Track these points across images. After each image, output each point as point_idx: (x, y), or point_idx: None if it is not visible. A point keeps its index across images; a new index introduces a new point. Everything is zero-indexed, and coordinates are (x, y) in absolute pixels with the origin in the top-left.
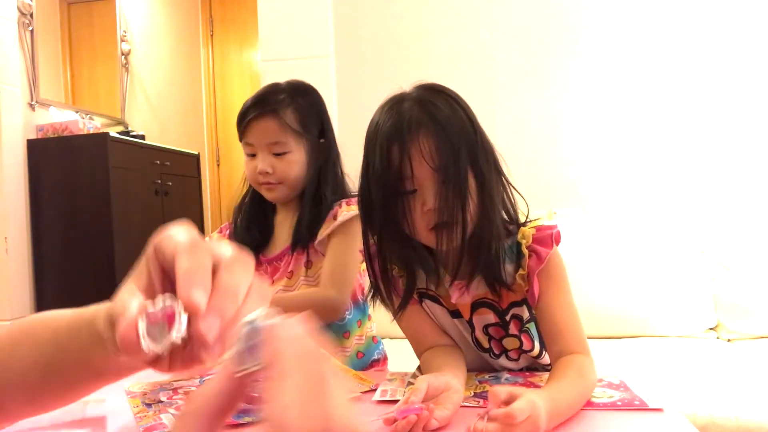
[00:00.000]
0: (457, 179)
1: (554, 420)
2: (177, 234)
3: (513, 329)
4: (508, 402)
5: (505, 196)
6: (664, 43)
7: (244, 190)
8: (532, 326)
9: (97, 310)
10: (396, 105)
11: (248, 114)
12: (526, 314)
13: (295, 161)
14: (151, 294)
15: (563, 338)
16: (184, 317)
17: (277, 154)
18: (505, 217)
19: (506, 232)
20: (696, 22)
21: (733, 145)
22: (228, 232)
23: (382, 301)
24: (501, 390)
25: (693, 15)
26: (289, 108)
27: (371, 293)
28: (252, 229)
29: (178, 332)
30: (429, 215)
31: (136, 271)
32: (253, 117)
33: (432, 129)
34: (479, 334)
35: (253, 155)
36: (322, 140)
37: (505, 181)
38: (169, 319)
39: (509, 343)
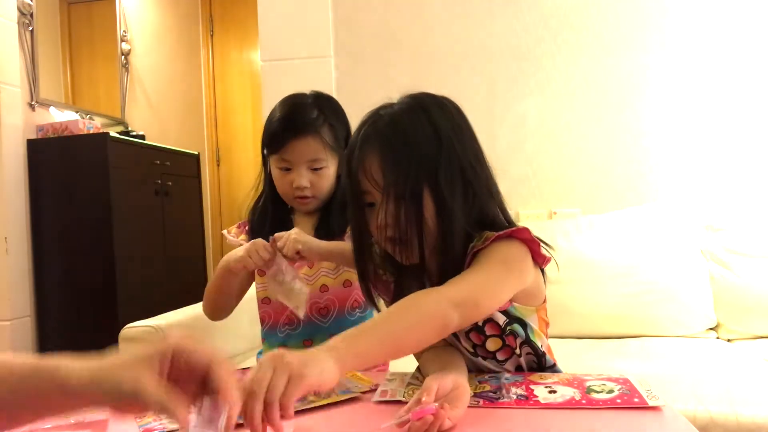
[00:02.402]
0: (409, 196)
1: (353, 360)
2: (196, 343)
3: (490, 330)
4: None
5: (490, 208)
6: (662, 43)
7: (258, 192)
8: (516, 327)
9: (57, 364)
10: (364, 121)
11: (287, 134)
12: (501, 318)
13: (329, 174)
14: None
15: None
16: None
17: (315, 169)
18: (493, 223)
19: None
20: (693, 25)
21: (732, 145)
22: (246, 229)
23: (372, 304)
24: None
25: (690, 18)
26: (325, 125)
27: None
28: (270, 228)
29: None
30: (381, 231)
31: (145, 357)
32: (294, 137)
33: (378, 147)
34: (464, 341)
35: (287, 169)
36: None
37: (487, 193)
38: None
39: (492, 344)
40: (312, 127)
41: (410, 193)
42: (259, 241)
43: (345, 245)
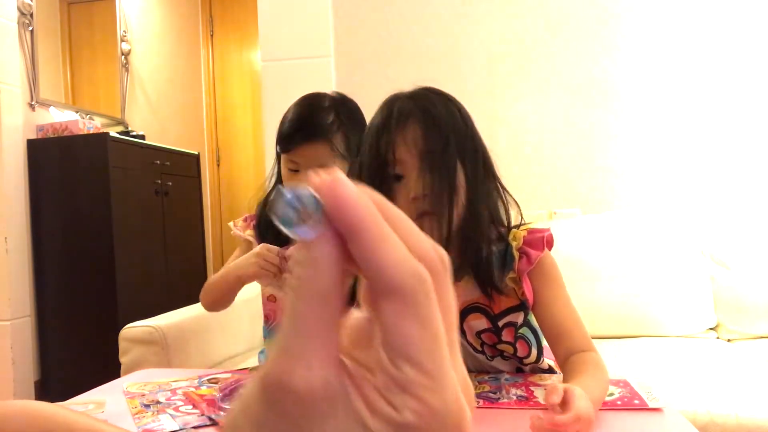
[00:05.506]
0: (444, 168)
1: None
2: None
3: (506, 336)
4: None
5: (499, 200)
6: (662, 43)
7: (270, 186)
8: (526, 331)
9: None
10: (389, 102)
11: (297, 136)
12: (520, 319)
13: None
14: None
15: (569, 337)
16: None
17: None
18: (501, 219)
19: (498, 235)
20: (693, 24)
21: (733, 145)
22: (253, 223)
23: None
24: (555, 391)
25: (689, 18)
26: (339, 133)
27: None
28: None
29: None
30: (415, 203)
31: None
32: (305, 141)
33: (420, 117)
34: (471, 339)
35: (295, 170)
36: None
37: (499, 186)
38: None
39: (503, 348)
40: (324, 133)
41: (447, 163)
42: (264, 252)
43: None
